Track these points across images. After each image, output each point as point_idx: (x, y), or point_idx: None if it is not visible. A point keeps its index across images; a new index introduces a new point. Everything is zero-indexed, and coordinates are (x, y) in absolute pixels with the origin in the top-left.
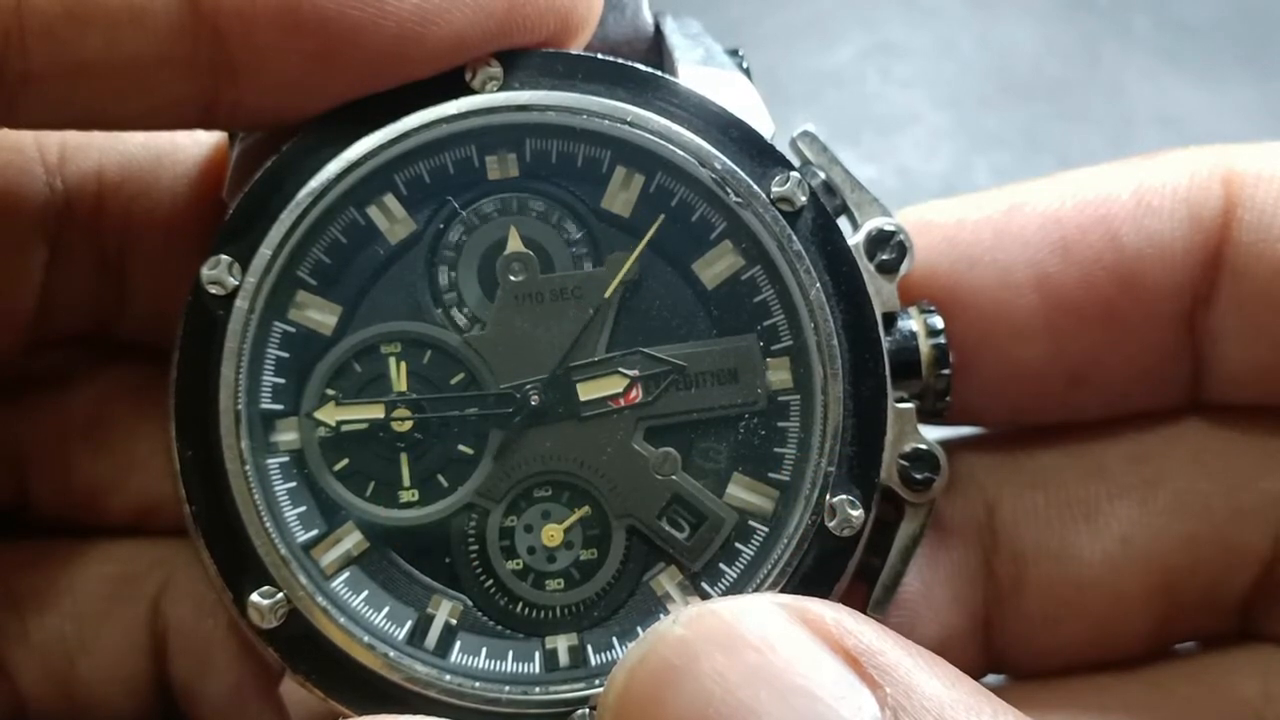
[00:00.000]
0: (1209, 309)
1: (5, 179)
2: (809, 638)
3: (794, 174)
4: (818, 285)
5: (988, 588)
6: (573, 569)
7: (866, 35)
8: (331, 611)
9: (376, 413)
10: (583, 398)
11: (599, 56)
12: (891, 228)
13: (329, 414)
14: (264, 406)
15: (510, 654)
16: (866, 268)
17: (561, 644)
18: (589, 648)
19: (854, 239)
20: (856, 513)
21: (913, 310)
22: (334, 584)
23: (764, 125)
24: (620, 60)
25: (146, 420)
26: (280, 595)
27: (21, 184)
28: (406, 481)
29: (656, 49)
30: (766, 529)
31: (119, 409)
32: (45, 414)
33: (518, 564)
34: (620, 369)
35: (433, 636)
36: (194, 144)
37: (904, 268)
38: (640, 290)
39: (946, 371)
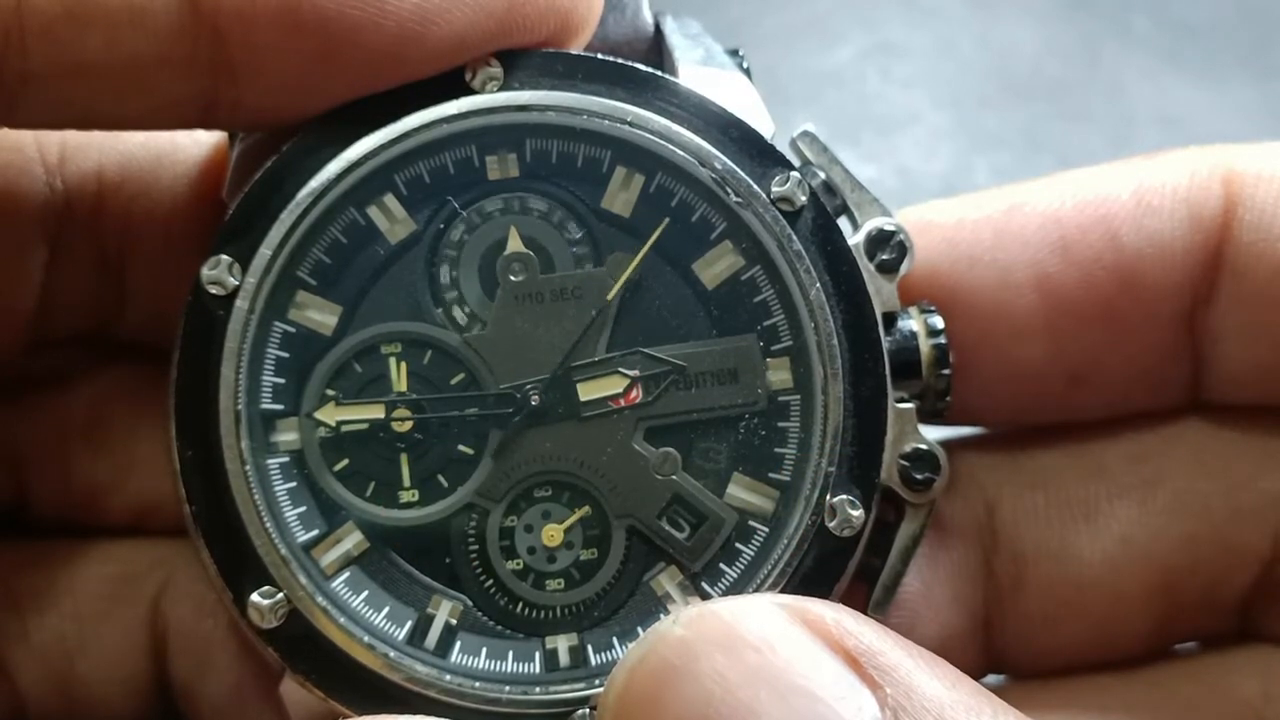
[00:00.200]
0: (1209, 309)
1: (5, 179)
2: (809, 638)
3: (794, 174)
4: (818, 285)
5: (988, 588)
6: (573, 569)
7: (866, 35)
8: (331, 611)
9: (377, 413)
10: (583, 398)
11: (599, 56)
12: (891, 228)
13: (329, 414)
14: (264, 406)
15: (510, 654)
16: (866, 267)
17: (562, 644)
18: (589, 648)
19: (854, 239)
20: (857, 513)
21: (913, 310)
22: (334, 584)
23: (764, 125)
24: (620, 60)
25: (146, 420)
26: (280, 595)
27: (21, 184)
28: (407, 482)
29: (656, 49)
30: (767, 529)
31: (119, 409)
32: (45, 414)
33: (518, 564)
34: (620, 369)
35: (433, 636)
36: (194, 144)
37: (904, 268)
38: (640, 290)
39: (947, 371)
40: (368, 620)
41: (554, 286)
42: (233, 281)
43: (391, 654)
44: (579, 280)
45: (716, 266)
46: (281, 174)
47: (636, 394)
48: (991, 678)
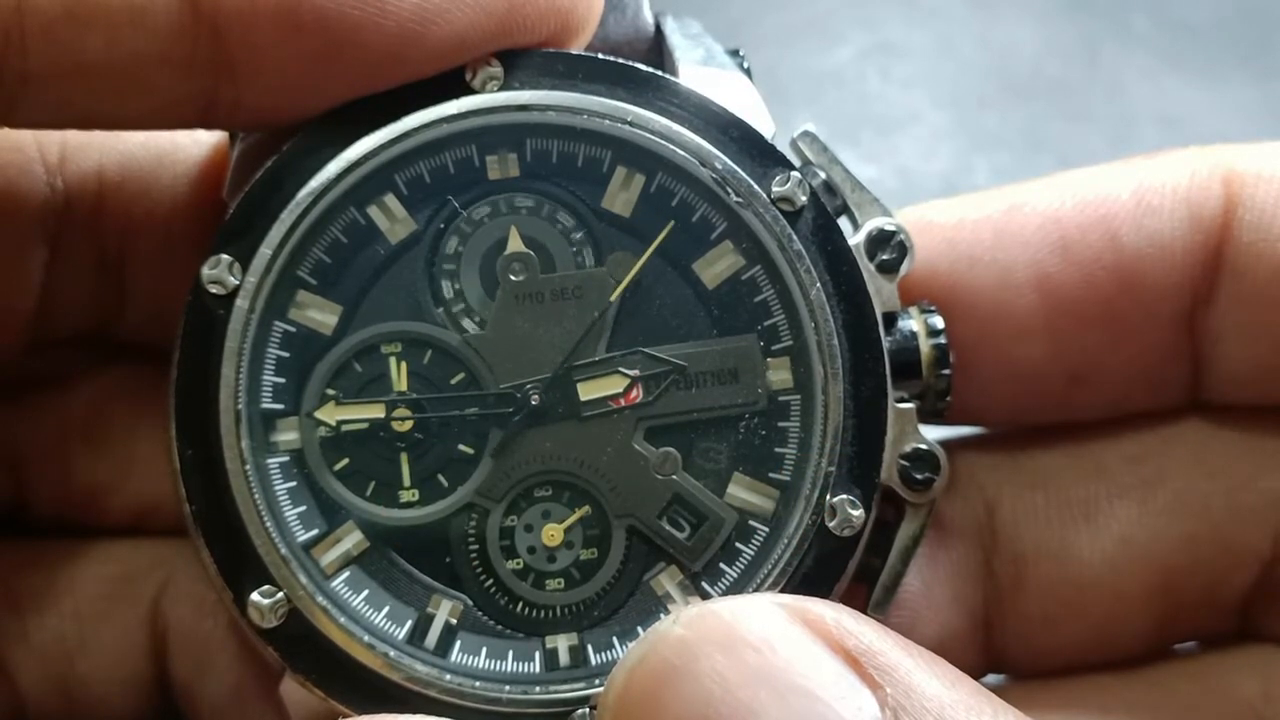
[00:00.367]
0: (1209, 309)
1: (6, 179)
2: (809, 638)
3: (794, 174)
4: (818, 285)
5: (988, 587)
6: (573, 569)
7: (867, 35)
8: (331, 611)
9: (377, 412)
10: (583, 397)
11: (600, 56)
12: (892, 228)
13: (329, 413)
14: (264, 406)
15: (510, 654)
16: (867, 267)
17: (562, 644)
18: (589, 647)
19: (854, 239)
20: (857, 512)
21: (913, 310)
22: (334, 583)
23: (764, 125)
24: (621, 60)
25: (146, 420)
26: (280, 594)
27: (22, 184)
28: (407, 481)
29: (657, 49)
30: (767, 529)
31: (118, 409)
32: (45, 414)
33: (518, 564)
34: (621, 369)
35: (433, 636)
36: (194, 144)
37: (904, 268)
38: (641, 290)
39: (947, 371)
40: (368, 620)
41: (554, 286)
42: (233, 281)
43: (391, 653)
44: (579, 280)
45: (717, 266)
46: (282, 173)
47: (637, 394)
48: (991, 677)
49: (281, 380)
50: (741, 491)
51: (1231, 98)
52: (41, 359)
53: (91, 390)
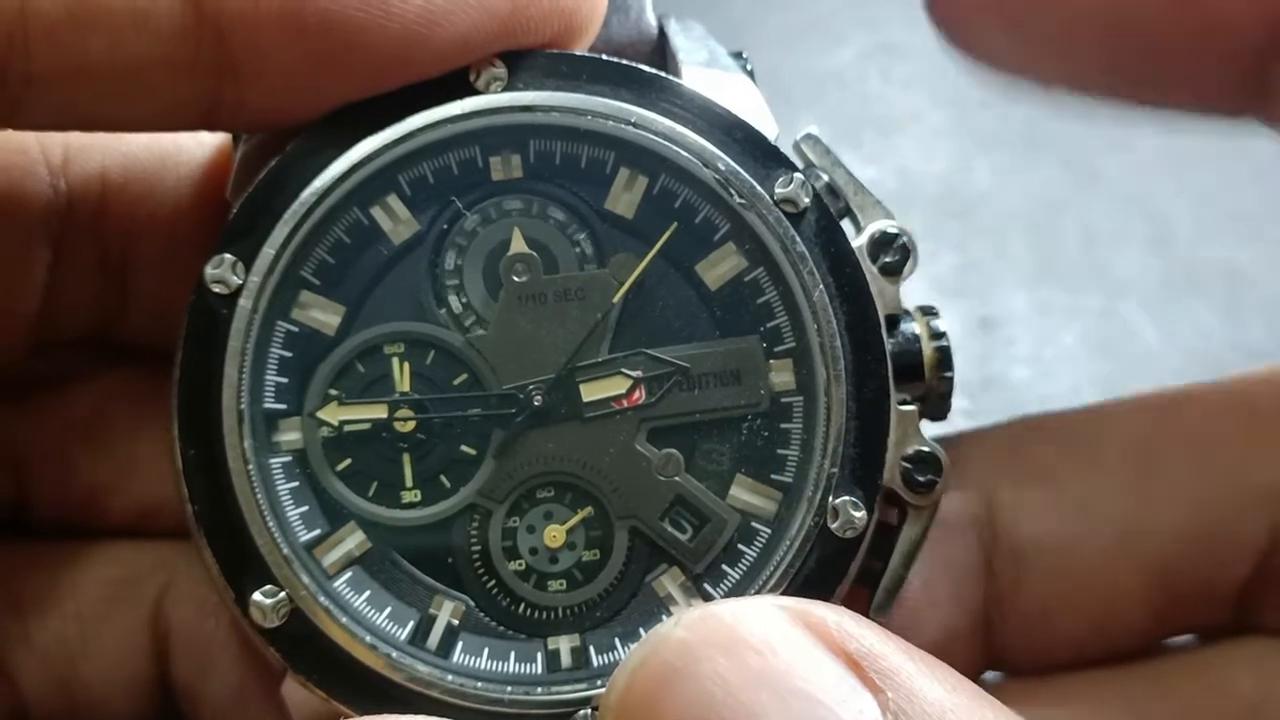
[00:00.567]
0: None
1: (9, 180)
2: (811, 641)
3: (798, 175)
4: (821, 287)
5: (988, 584)
6: (575, 570)
7: (868, 36)
8: (334, 611)
9: (379, 413)
10: (586, 399)
11: (603, 57)
12: (894, 230)
13: (332, 414)
14: (267, 406)
15: (512, 655)
16: (870, 270)
17: (564, 645)
18: (591, 649)
19: (857, 241)
20: (859, 514)
21: (915, 313)
22: (336, 584)
23: (767, 127)
24: (625, 61)
25: (148, 422)
26: (282, 595)
27: (25, 185)
28: (409, 482)
29: (660, 51)
30: (769, 530)
31: (121, 411)
32: (47, 415)
33: (520, 565)
34: (623, 370)
35: (435, 637)
36: (198, 146)
37: (907, 270)
38: (644, 292)
39: (949, 374)
40: (370, 620)
41: (557, 287)
42: (236, 280)
43: (393, 654)
44: (582, 281)
45: (720, 268)
46: (285, 174)
47: (639, 395)
48: (989, 674)
49: (284, 380)
50: (744, 493)
51: None
52: (44, 360)
53: (94, 391)
